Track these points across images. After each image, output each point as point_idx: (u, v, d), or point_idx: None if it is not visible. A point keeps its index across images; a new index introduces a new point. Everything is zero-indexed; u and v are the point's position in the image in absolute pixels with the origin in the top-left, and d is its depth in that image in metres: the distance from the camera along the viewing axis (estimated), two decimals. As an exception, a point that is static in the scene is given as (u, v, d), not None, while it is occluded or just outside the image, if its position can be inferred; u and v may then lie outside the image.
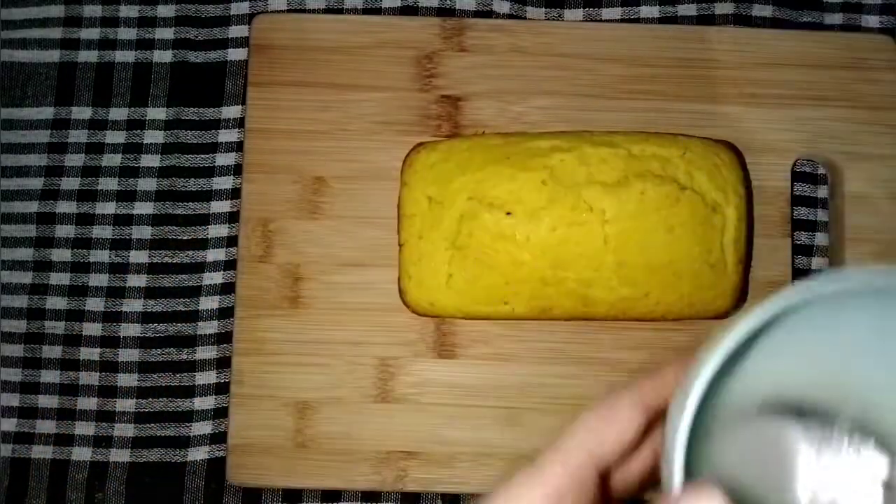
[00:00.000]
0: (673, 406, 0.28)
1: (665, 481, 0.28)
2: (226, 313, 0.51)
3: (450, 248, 0.44)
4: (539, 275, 0.44)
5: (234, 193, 0.51)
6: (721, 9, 0.53)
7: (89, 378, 0.50)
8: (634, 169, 0.44)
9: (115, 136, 0.52)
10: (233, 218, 0.51)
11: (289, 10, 0.53)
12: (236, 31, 0.53)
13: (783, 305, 0.27)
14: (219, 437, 0.50)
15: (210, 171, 0.52)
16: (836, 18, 0.54)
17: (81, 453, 0.50)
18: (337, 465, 0.47)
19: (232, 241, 0.51)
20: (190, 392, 0.50)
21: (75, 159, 0.52)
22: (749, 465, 0.31)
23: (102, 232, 0.51)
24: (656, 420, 0.34)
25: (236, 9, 0.53)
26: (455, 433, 0.47)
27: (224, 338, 0.50)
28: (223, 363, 0.50)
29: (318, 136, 0.49)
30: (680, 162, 0.44)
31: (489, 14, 0.53)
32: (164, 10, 0.53)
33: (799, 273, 0.51)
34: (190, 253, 0.51)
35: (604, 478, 0.32)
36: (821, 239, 0.51)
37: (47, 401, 0.50)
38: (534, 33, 0.50)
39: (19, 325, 0.51)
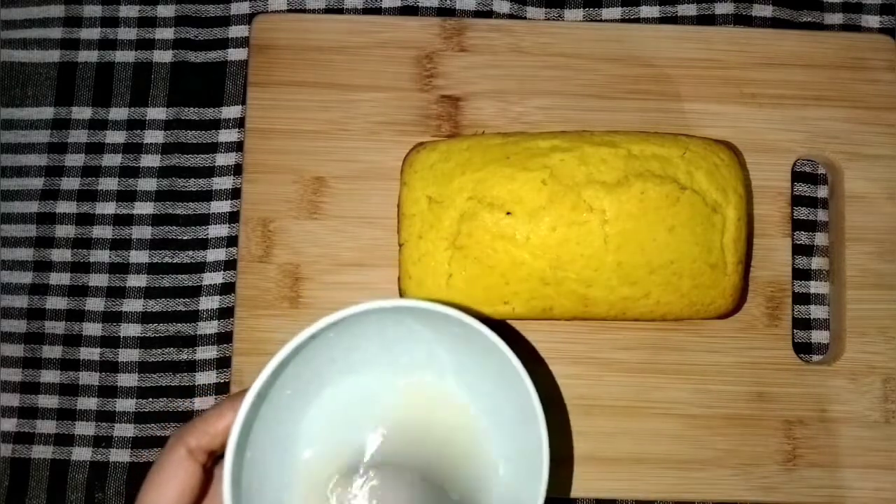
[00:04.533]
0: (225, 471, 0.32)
1: None
2: (226, 313, 0.51)
3: (450, 248, 0.44)
4: (539, 275, 0.44)
5: (234, 193, 0.51)
6: (721, 9, 0.53)
7: (89, 378, 0.50)
8: (634, 169, 0.44)
9: (115, 136, 0.52)
10: (233, 218, 0.51)
11: (289, 10, 0.53)
12: (236, 31, 0.53)
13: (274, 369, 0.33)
14: (219, 437, 0.49)
15: (210, 171, 0.52)
16: (836, 18, 0.54)
17: (81, 453, 0.50)
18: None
19: (232, 241, 0.51)
20: (190, 392, 0.50)
21: (75, 159, 0.52)
22: None
23: (102, 232, 0.51)
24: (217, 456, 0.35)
25: (236, 9, 0.53)
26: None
27: (224, 338, 0.50)
28: (223, 363, 0.50)
29: (318, 136, 0.49)
30: (680, 162, 0.44)
31: (489, 14, 0.53)
32: (164, 10, 0.53)
33: (799, 273, 0.51)
34: (190, 253, 0.51)
35: None
36: (821, 239, 0.51)
37: (47, 401, 0.50)
38: (534, 33, 0.50)
39: (19, 325, 0.51)
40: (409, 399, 0.39)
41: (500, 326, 0.47)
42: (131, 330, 0.51)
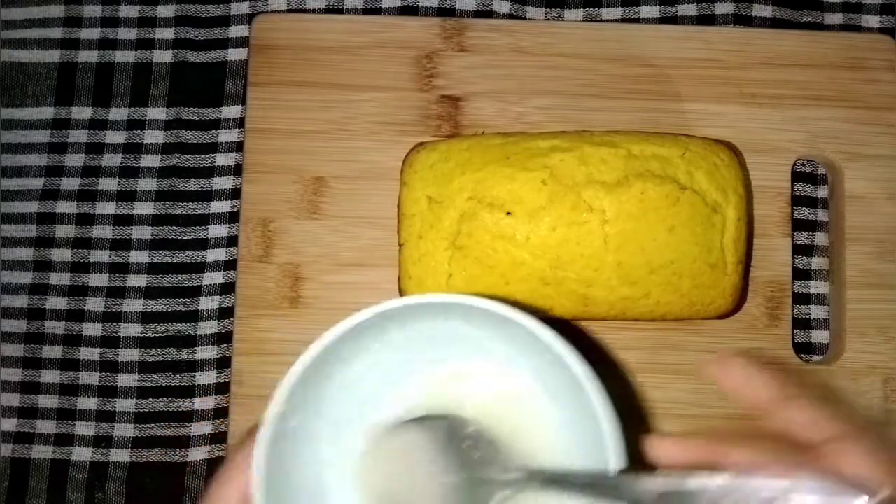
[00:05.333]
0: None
1: None
2: (226, 313, 0.51)
3: (450, 248, 0.44)
4: (539, 275, 0.44)
5: (234, 193, 0.51)
6: (721, 9, 0.53)
7: (89, 378, 0.50)
8: (634, 169, 0.44)
9: (115, 136, 0.52)
10: (233, 218, 0.51)
11: (289, 10, 0.53)
12: (236, 31, 0.53)
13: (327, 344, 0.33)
14: (219, 437, 0.49)
15: (210, 171, 0.52)
16: (836, 18, 0.54)
17: (81, 453, 0.50)
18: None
19: (232, 241, 0.51)
20: (190, 392, 0.50)
21: (75, 159, 0.52)
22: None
23: (102, 232, 0.51)
24: None
25: (236, 9, 0.53)
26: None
27: (224, 338, 0.50)
28: (223, 363, 0.50)
29: (318, 136, 0.49)
30: (680, 162, 0.44)
31: (489, 14, 0.53)
32: (164, 10, 0.53)
33: (799, 273, 0.51)
34: (190, 253, 0.51)
35: None
36: (821, 239, 0.51)
37: (47, 401, 0.50)
38: (534, 33, 0.50)
39: (19, 325, 0.51)
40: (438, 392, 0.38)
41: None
42: (131, 330, 0.51)
